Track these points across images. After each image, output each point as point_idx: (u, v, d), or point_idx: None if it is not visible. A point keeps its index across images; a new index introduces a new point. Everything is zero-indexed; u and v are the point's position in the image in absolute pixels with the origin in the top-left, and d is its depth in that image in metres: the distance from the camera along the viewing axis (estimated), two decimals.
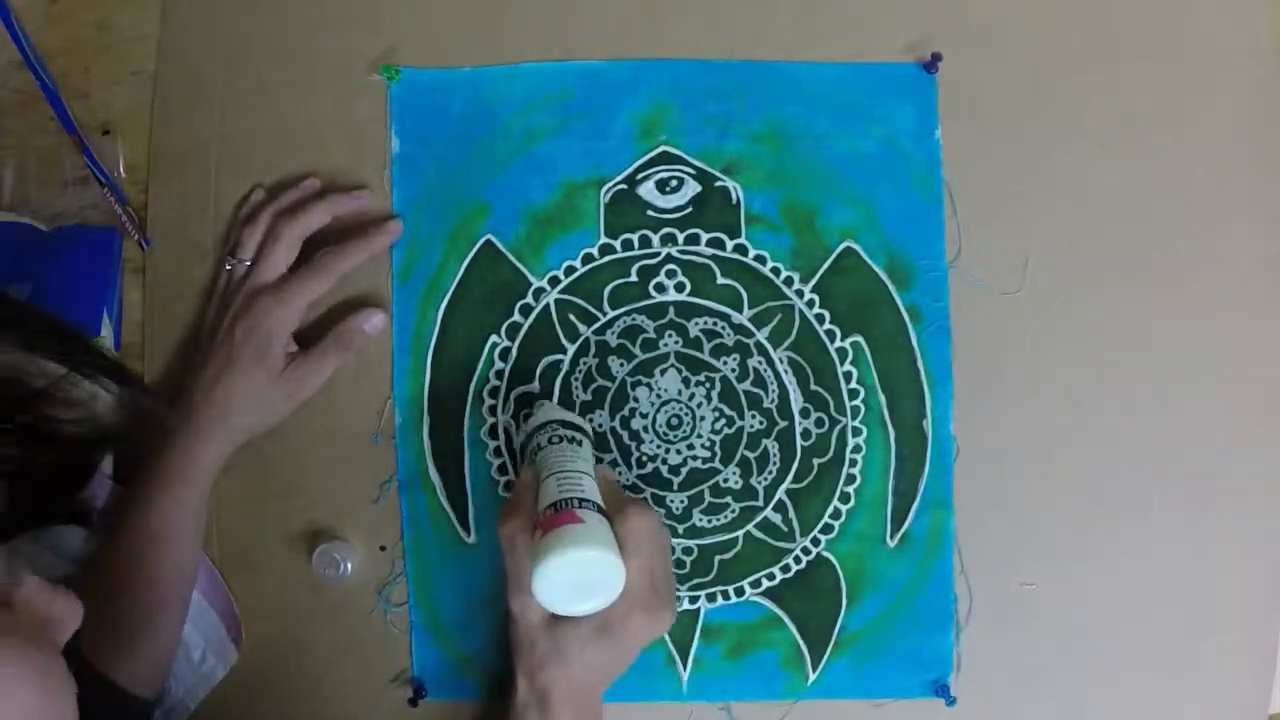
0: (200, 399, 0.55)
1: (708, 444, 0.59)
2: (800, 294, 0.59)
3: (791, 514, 0.59)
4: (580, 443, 0.53)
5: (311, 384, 0.57)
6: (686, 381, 0.59)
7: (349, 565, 0.59)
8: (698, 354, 0.59)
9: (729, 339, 0.59)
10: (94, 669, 0.51)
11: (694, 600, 0.59)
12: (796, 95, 0.59)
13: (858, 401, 0.59)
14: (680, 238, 0.59)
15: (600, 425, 0.59)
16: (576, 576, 0.46)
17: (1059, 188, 0.59)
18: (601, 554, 0.46)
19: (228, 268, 0.58)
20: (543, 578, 0.46)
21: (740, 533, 0.59)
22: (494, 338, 0.59)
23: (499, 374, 0.59)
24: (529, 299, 0.59)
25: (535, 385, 0.59)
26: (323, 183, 0.59)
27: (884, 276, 0.59)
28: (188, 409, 0.55)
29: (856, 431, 0.59)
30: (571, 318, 0.59)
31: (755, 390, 0.59)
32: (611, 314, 0.59)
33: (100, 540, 0.55)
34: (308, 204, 0.57)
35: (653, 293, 0.59)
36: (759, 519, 0.59)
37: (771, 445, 0.59)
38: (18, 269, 0.58)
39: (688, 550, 0.59)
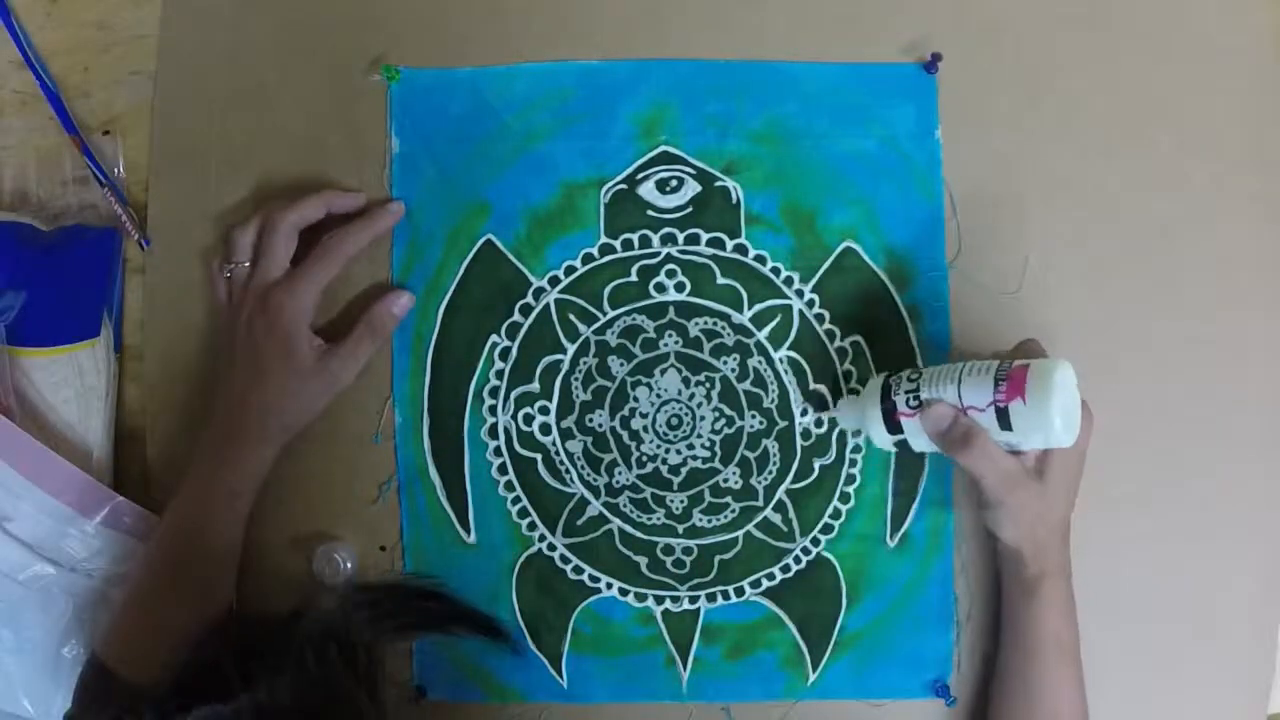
0: (235, 407, 0.54)
1: (708, 444, 0.59)
2: (800, 294, 0.59)
3: (791, 514, 0.59)
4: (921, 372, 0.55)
5: (347, 374, 0.56)
6: (686, 381, 0.59)
7: (349, 565, 0.59)
8: (698, 354, 0.59)
9: (729, 339, 0.59)
10: (134, 686, 0.51)
11: (694, 600, 0.59)
12: (796, 95, 0.59)
13: None
14: (680, 238, 0.59)
15: (600, 425, 0.59)
16: (1068, 403, 0.49)
17: (1059, 188, 0.59)
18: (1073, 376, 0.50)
19: (226, 275, 0.57)
20: (1059, 406, 0.48)
21: (740, 533, 0.59)
22: (494, 338, 0.59)
23: (499, 374, 0.59)
24: (529, 299, 0.59)
25: (535, 385, 0.59)
26: (322, 183, 0.59)
27: (884, 276, 0.59)
28: (223, 421, 0.55)
29: (856, 431, 0.59)
30: (571, 317, 0.59)
31: (755, 390, 0.59)
32: (611, 314, 0.59)
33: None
34: (300, 197, 0.57)
35: (653, 293, 0.59)
36: (759, 519, 0.59)
37: (771, 445, 0.59)
38: (18, 269, 0.58)
39: (687, 550, 0.59)
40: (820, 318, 0.59)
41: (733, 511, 0.59)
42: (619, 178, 0.59)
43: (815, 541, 0.59)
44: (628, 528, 0.59)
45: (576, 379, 0.59)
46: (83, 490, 0.57)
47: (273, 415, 0.55)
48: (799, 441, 0.59)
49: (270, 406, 0.54)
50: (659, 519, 0.59)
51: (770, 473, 0.59)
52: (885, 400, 0.54)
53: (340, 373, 0.56)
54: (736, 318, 0.59)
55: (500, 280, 0.59)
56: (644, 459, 0.59)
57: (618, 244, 0.59)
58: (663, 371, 0.59)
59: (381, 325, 0.57)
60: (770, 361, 0.59)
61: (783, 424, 0.59)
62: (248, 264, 0.56)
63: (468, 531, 0.59)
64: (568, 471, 0.59)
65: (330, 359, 0.56)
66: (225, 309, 0.57)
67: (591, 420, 0.59)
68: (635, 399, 0.59)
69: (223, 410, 0.55)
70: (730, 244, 0.59)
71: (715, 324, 0.59)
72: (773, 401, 0.59)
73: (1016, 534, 0.53)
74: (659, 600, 0.59)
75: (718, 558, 0.59)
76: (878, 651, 0.59)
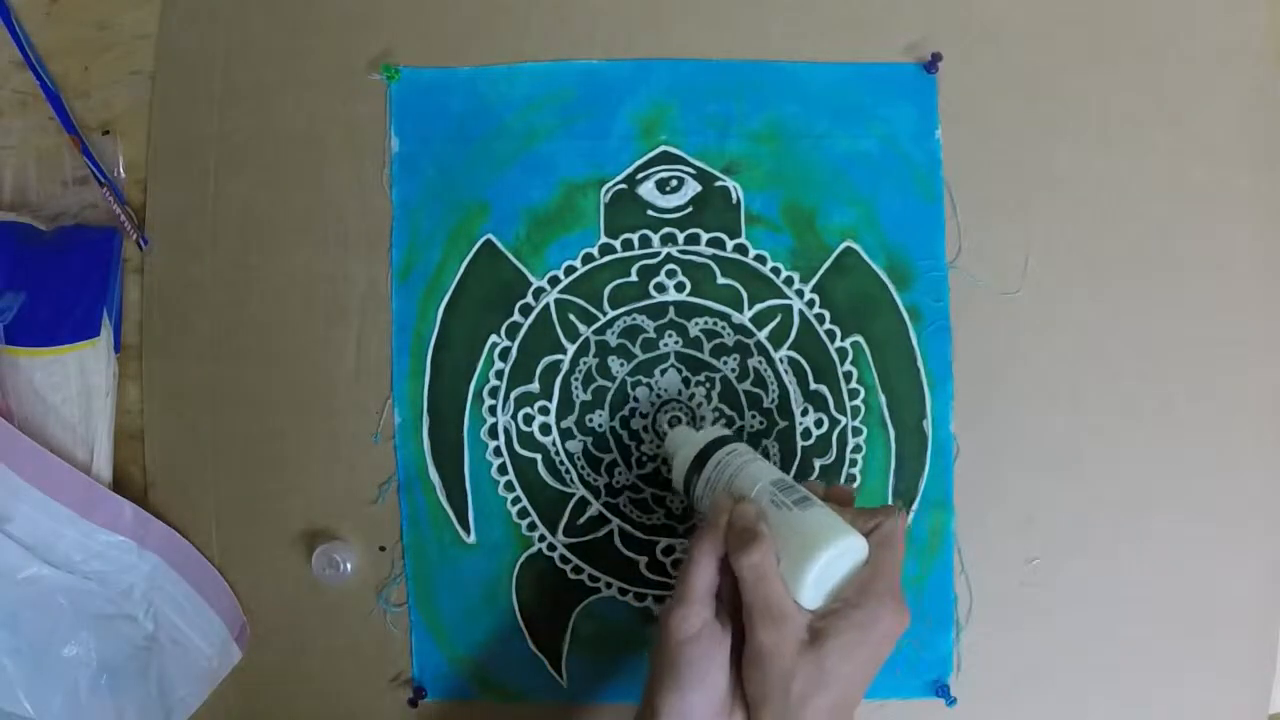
0: None
1: None
2: (800, 294, 0.59)
3: None
4: (740, 451, 0.52)
5: None
6: (686, 381, 0.59)
7: (349, 565, 0.59)
8: (698, 354, 0.59)
9: (729, 339, 0.59)
10: None
11: None
12: (796, 95, 0.59)
13: (858, 401, 0.59)
14: (680, 238, 0.59)
15: (600, 425, 0.59)
16: (836, 569, 0.46)
17: (1059, 188, 0.59)
18: (855, 538, 0.46)
19: None
20: (819, 574, 0.45)
21: None
22: (494, 338, 0.59)
23: (499, 374, 0.59)
24: (529, 299, 0.59)
25: (535, 385, 0.59)
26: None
27: (884, 276, 0.59)
28: None
29: (857, 431, 0.59)
30: (571, 318, 0.59)
31: (755, 390, 0.59)
32: (611, 314, 0.59)
33: None
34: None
35: (653, 293, 0.59)
36: None
37: (771, 445, 0.59)
38: (18, 269, 0.58)
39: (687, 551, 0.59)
40: (820, 318, 0.59)
41: None
42: (619, 178, 0.59)
43: None
44: (628, 528, 0.59)
45: (576, 379, 0.59)
46: (81, 491, 0.57)
47: None
48: (799, 441, 0.59)
49: None
50: (659, 519, 0.59)
51: None
52: (698, 467, 0.52)
53: None
54: (736, 318, 0.59)
55: (500, 280, 0.59)
56: (644, 459, 0.59)
57: (618, 244, 0.59)
58: (663, 371, 0.59)
59: None
60: (770, 361, 0.59)
61: (783, 424, 0.59)
62: None
63: (467, 531, 0.59)
64: (568, 472, 0.59)
65: None
66: None
67: (591, 420, 0.59)
68: (635, 399, 0.59)
69: None
70: (730, 244, 0.59)
71: (715, 324, 0.59)
72: (773, 401, 0.59)
73: (755, 689, 0.45)
74: (659, 600, 0.59)
75: None
76: None
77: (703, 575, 0.47)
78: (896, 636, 0.46)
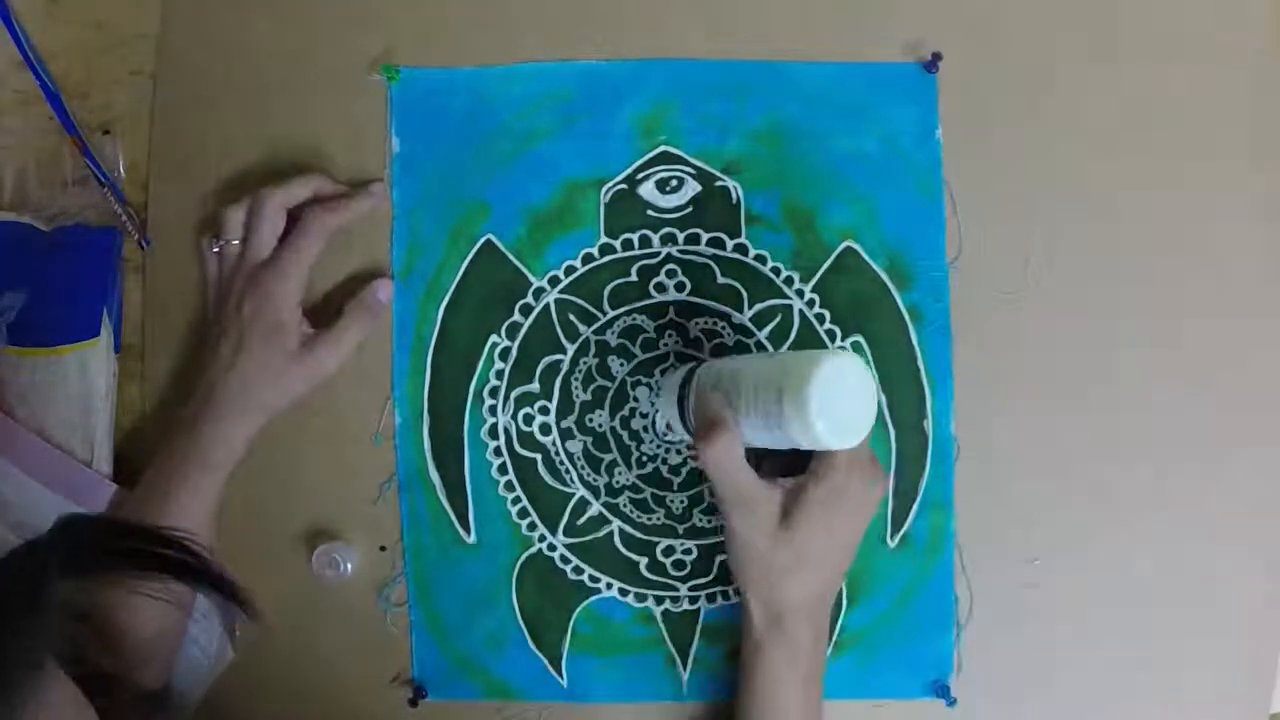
0: (217, 383, 0.55)
1: None
2: (800, 294, 0.59)
3: None
4: (717, 361, 0.53)
5: (331, 363, 0.56)
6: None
7: (349, 565, 0.59)
8: (698, 354, 0.59)
9: (729, 339, 0.59)
10: (102, 672, 0.50)
11: (694, 601, 0.59)
12: (796, 95, 0.59)
13: None
14: (680, 237, 0.59)
15: (600, 425, 0.59)
16: (836, 392, 0.44)
17: (1059, 188, 0.59)
18: (849, 357, 0.44)
19: (215, 249, 0.57)
20: (820, 398, 0.43)
21: None
22: (494, 337, 0.59)
23: (499, 374, 0.59)
24: (529, 299, 0.59)
25: (535, 385, 0.59)
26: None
27: (884, 276, 0.59)
28: (204, 395, 0.55)
29: None
30: (571, 317, 0.59)
31: None
32: (611, 314, 0.59)
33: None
34: (289, 178, 0.57)
35: (653, 292, 0.59)
36: None
37: None
38: (18, 269, 0.58)
39: (687, 551, 0.59)
40: (820, 318, 0.59)
41: None
42: (619, 178, 0.59)
43: None
44: (628, 528, 0.59)
45: (576, 379, 0.59)
46: (83, 485, 0.57)
47: (253, 394, 0.55)
48: None
49: (251, 385, 0.55)
50: (659, 519, 0.59)
51: None
52: (684, 388, 0.53)
53: (325, 360, 0.56)
54: (737, 318, 0.59)
55: (500, 280, 0.59)
56: (644, 459, 0.59)
57: (618, 244, 0.59)
58: (663, 371, 0.59)
59: (368, 313, 0.57)
60: None
61: None
62: (238, 241, 0.57)
63: (468, 531, 0.59)
64: (568, 471, 0.59)
65: (316, 346, 0.56)
66: (214, 286, 0.58)
67: (591, 420, 0.59)
68: (635, 399, 0.59)
69: (204, 385, 0.55)
70: (730, 244, 0.59)
71: (715, 324, 0.59)
72: None
73: (738, 573, 0.49)
74: (659, 600, 0.59)
75: (718, 558, 0.59)
76: (878, 651, 0.59)
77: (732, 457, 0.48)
78: (873, 504, 0.48)
